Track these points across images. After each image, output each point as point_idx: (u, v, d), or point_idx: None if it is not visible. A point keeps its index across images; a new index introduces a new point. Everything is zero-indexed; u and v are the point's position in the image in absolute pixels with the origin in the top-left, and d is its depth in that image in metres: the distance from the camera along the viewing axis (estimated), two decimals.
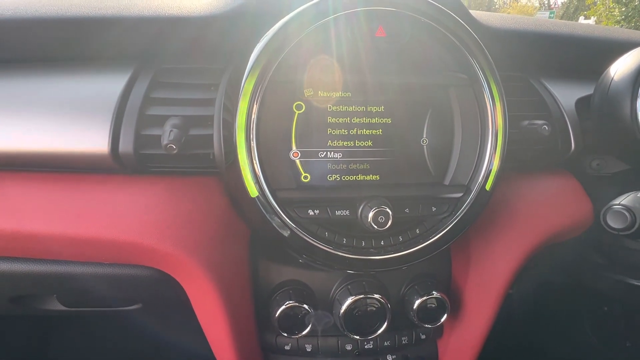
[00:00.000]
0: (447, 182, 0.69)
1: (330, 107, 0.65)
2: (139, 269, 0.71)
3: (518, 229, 0.76)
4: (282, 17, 0.60)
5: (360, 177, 0.66)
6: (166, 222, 0.65)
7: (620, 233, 0.66)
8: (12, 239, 0.65)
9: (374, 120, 0.67)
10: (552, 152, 0.81)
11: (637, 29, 12.92)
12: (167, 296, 0.81)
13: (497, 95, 0.65)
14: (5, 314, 1.08)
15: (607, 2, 14.40)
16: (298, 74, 0.62)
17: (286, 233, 0.61)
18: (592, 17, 16.15)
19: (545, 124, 0.74)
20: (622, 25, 13.40)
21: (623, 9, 13.59)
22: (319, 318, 0.70)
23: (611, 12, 14.08)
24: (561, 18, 23.83)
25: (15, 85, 0.68)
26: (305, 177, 0.65)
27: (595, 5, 15.81)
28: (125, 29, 0.71)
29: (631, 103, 0.71)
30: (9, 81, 0.69)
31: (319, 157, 0.65)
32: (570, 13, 23.46)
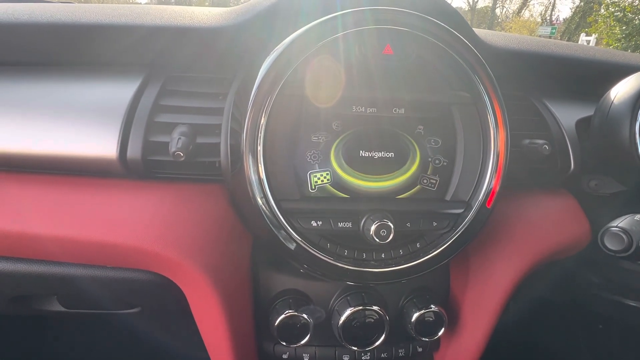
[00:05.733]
0: (448, 197, 0.70)
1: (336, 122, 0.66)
2: (141, 273, 0.71)
3: (516, 247, 0.77)
4: (292, 32, 0.61)
5: (365, 190, 0.68)
6: (170, 227, 0.65)
7: (617, 255, 0.67)
8: (17, 240, 0.65)
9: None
10: (552, 171, 0.82)
11: (637, 47, 13.05)
12: (167, 301, 0.82)
13: (500, 114, 0.66)
14: (3, 314, 1.08)
15: (608, 20, 14.55)
16: (306, 87, 0.63)
17: (292, 246, 0.62)
18: (594, 35, 16.31)
19: (545, 144, 0.75)
20: (622, 43, 13.54)
21: (624, 27, 13.74)
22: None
23: (612, 30, 14.23)
24: (563, 34, 24.06)
25: (27, 89, 0.69)
26: (313, 189, 0.66)
27: (597, 23, 15.97)
28: (137, 37, 0.72)
29: (630, 126, 0.73)
30: (22, 84, 0.70)
31: (326, 169, 0.66)
32: (572, 29, 23.68)
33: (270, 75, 0.60)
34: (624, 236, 0.66)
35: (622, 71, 0.82)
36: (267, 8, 0.70)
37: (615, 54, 0.97)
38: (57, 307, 0.84)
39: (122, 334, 1.32)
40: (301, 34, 0.60)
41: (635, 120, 0.73)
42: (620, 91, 0.76)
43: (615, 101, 0.75)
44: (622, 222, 0.68)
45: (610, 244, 0.67)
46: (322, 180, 0.66)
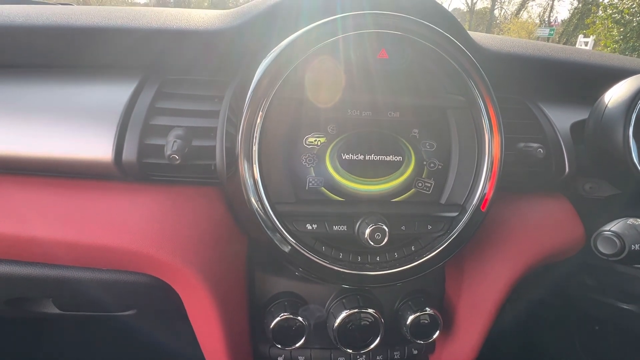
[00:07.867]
0: (443, 201, 0.70)
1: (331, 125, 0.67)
2: (137, 276, 0.71)
3: (511, 250, 0.78)
4: (289, 35, 0.61)
5: (360, 193, 0.68)
6: (166, 230, 0.66)
7: (610, 259, 0.68)
8: (12, 243, 0.65)
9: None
10: (546, 175, 0.82)
11: (634, 49, 13.10)
12: (163, 303, 0.82)
13: (494, 118, 0.67)
14: None
15: (606, 22, 14.60)
16: (301, 90, 0.63)
17: (286, 248, 0.63)
18: (591, 36, 16.37)
19: (540, 147, 0.75)
20: (620, 45, 13.59)
21: (621, 29, 13.79)
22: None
23: (610, 31, 14.28)
24: (561, 35, 24.14)
25: (23, 91, 0.69)
26: (308, 192, 0.66)
27: (595, 25, 16.02)
28: (133, 39, 0.72)
29: (624, 130, 0.73)
30: (18, 86, 0.70)
31: (321, 173, 0.66)
32: (570, 31, 23.76)
33: (265, 78, 0.60)
34: (616, 240, 0.66)
35: (616, 75, 0.83)
36: (265, 10, 0.70)
37: (610, 57, 0.98)
38: (53, 310, 0.84)
39: (118, 337, 1.32)
40: (296, 37, 0.60)
41: (629, 124, 0.73)
42: (614, 95, 0.76)
43: (609, 105, 0.76)
44: (614, 226, 0.68)
45: (603, 248, 0.68)
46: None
